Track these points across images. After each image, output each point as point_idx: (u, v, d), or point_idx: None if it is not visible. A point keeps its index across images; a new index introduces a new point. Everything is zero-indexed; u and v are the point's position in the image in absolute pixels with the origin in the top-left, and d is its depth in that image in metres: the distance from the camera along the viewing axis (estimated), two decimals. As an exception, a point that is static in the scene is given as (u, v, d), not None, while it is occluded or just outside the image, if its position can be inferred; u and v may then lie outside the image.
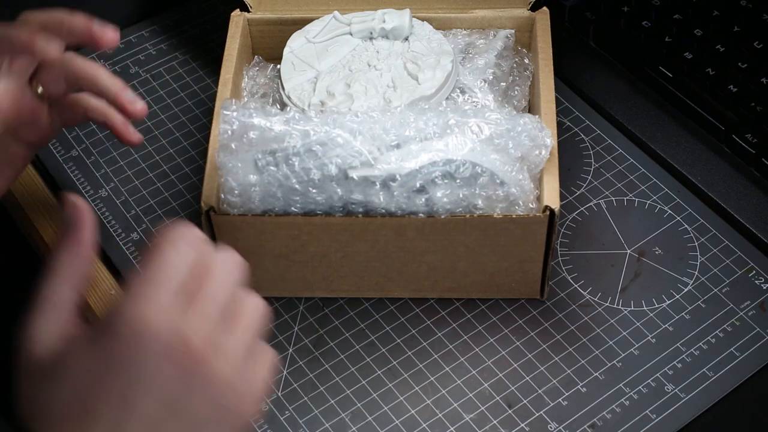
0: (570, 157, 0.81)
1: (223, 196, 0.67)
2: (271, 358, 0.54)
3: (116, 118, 0.72)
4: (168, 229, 0.54)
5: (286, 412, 0.68)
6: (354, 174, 0.65)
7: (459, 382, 0.69)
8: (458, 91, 0.75)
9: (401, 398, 0.69)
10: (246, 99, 0.79)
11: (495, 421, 0.67)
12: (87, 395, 0.50)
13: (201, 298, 0.52)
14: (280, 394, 0.69)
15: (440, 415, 0.68)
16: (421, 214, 0.66)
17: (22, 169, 0.75)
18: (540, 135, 0.67)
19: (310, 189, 0.65)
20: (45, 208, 0.81)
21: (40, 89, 0.70)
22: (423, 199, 0.66)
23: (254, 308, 0.55)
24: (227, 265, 0.54)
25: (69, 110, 0.73)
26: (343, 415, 0.68)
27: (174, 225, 0.54)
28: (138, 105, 0.70)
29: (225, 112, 0.65)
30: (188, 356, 0.50)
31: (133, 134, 0.73)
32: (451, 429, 0.67)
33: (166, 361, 0.50)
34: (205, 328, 0.51)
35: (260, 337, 0.54)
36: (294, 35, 0.79)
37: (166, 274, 0.52)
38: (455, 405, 0.68)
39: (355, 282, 0.72)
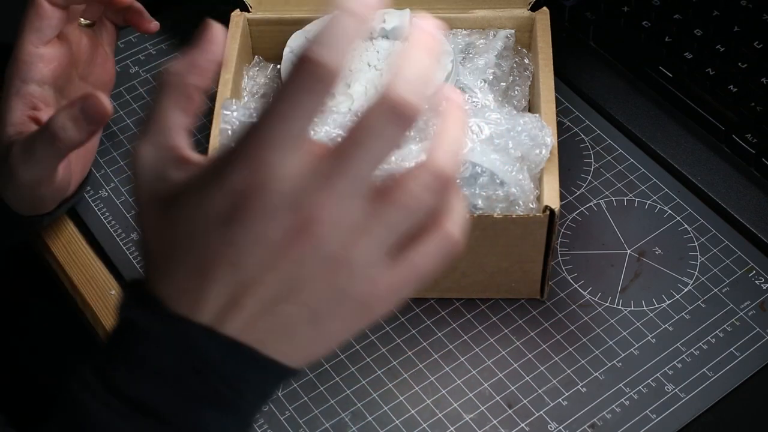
0: (570, 157, 0.81)
1: (223, 196, 0.67)
2: (435, 262, 0.46)
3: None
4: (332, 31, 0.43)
5: (286, 412, 0.68)
6: (354, 174, 0.65)
7: (459, 382, 0.69)
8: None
9: (401, 398, 0.69)
10: (246, 99, 0.79)
11: (495, 421, 0.67)
12: (202, 248, 0.44)
13: (344, 169, 0.43)
14: (280, 394, 0.69)
15: (440, 415, 0.68)
16: (421, 214, 0.66)
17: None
18: (540, 134, 0.67)
19: (310, 189, 0.65)
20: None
21: (82, 21, 0.75)
22: (423, 199, 0.65)
23: (426, 189, 0.44)
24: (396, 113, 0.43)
25: (108, 30, 0.78)
26: (343, 415, 0.68)
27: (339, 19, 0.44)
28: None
29: (225, 112, 0.65)
30: (298, 220, 0.43)
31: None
32: (451, 429, 0.67)
33: (277, 219, 0.43)
34: (337, 204, 0.43)
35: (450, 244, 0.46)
36: (294, 35, 0.79)
37: (297, 128, 0.42)
38: (455, 405, 0.68)
39: (355, 282, 0.72)
